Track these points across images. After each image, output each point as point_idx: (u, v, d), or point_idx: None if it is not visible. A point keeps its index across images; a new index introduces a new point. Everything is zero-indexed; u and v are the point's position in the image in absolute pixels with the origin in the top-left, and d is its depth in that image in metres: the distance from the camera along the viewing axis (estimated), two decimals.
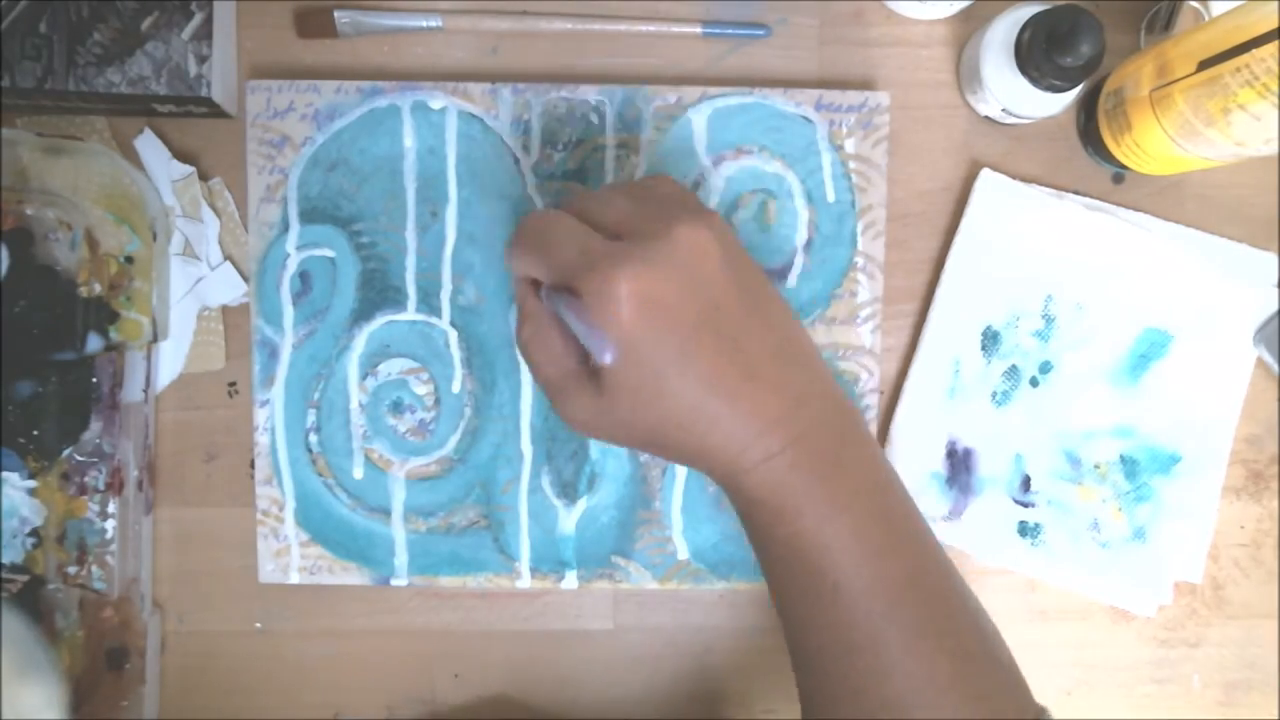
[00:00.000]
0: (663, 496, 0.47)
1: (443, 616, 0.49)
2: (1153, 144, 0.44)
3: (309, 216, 0.46)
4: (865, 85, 0.48)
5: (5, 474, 0.43)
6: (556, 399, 0.37)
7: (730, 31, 0.48)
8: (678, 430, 0.35)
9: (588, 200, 0.37)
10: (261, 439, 0.47)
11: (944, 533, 0.48)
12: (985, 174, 0.48)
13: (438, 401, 0.47)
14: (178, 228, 0.47)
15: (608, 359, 0.32)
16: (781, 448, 0.35)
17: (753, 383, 0.35)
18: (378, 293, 0.47)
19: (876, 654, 0.35)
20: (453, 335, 0.47)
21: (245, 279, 0.47)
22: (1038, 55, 0.42)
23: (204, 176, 0.47)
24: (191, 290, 0.47)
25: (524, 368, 0.47)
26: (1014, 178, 0.48)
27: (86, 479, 0.44)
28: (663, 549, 0.47)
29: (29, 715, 0.40)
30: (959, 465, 0.48)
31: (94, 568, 0.44)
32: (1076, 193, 0.49)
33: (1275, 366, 0.48)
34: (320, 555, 0.47)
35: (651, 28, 0.48)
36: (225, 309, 0.48)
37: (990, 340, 0.48)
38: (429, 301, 0.47)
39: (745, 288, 0.36)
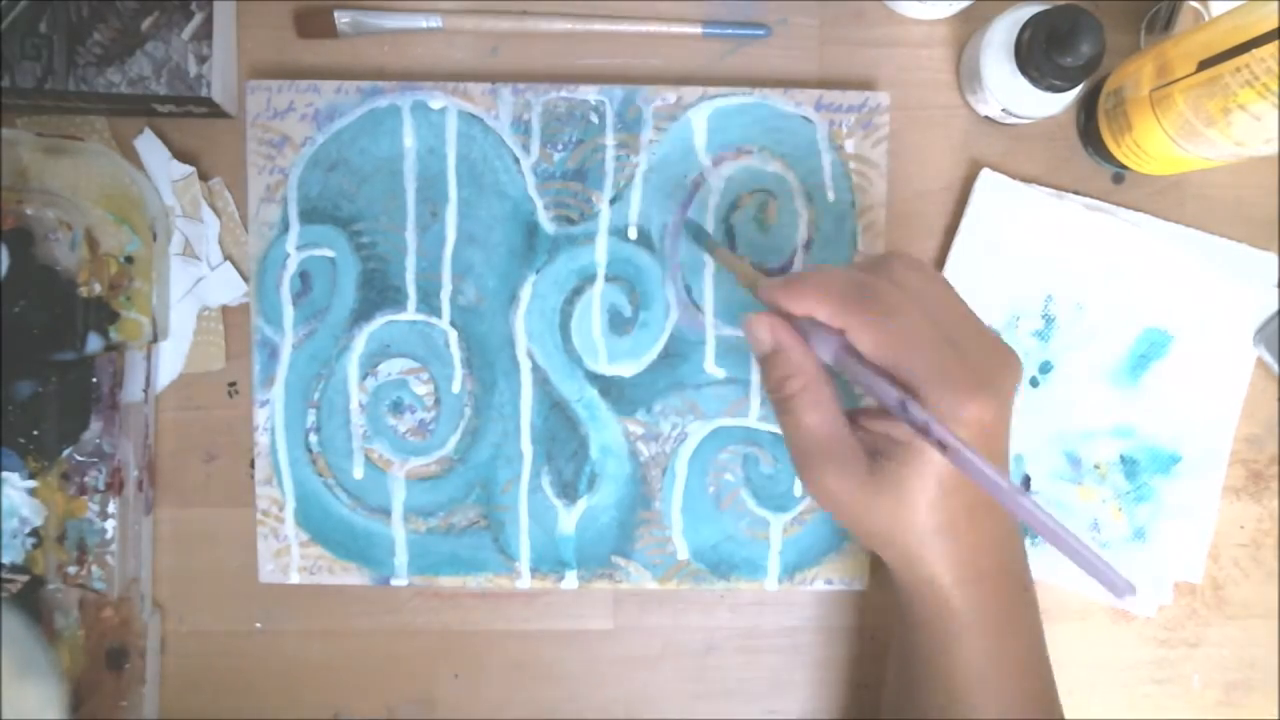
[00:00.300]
0: (663, 496, 0.47)
1: (443, 616, 0.49)
2: (1153, 144, 0.44)
3: (309, 216, 0.46)
4: (865, 85, 0.49)
5: (5, 474, 0.43)
6: (813, 462, 0.36)
7: (730, 31, 0.48)
8: (914, 540, 0.36)
9: (922, 289, 0.36)
10: (261, 439, 0.47)
11: None
12: (985, 174, 0.48)
13: (438, 401, 0.47)
14: (178, 228, 0.47)
15: (1127, 595, 0.30)
16: (986, 573, 0.37)
17: (989, 514, 0.37)
18: (378, 293, 0.47)
19: None
20: (453, 335, 0.47)
21: (245, 279, 0.47)
22: (1038, 55, 0.42)
23: (204, 176, 0.47)
24: (191, 290, 0.47)
25: (524, 367, 0.47)
26: (1014, 178, 0.48)
27: (86, 479, 0.44)
28: (663, 549, 0.47)
29: (29, 715, 0.40)
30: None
31: (94, 568, 0.44)
32: (1076, 193, 0.49)
33: (1275, 366, 0.48)
34: (320, 555, 0.47)
35: (651, 28, 0.48)
36: (225, 309, 0.48)
37: None
38: (429, 301, 0.47)
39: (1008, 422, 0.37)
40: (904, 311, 0.34)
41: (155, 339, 0.46)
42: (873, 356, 0.34)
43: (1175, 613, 0.50)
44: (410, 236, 0.47)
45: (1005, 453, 0.36)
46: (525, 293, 0.47)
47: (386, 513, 0.47)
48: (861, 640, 0.49)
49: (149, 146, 0.47)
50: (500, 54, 0.48)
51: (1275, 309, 0.48)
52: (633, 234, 0.47)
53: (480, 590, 0.48)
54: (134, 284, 0.45)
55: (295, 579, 0.47)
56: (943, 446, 0.31)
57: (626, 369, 0.47)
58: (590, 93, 0.47)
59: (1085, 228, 0.48)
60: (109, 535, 0.45)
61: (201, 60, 0.44)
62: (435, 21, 0.47)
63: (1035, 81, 0.43)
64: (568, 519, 0.47)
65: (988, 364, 0.35)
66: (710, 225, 0.47)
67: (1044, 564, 0.48)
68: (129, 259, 0.45)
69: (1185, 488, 0.48)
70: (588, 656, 0.49)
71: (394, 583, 0.47)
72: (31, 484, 0.44)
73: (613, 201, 0.47)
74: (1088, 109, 0.48)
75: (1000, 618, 0.38)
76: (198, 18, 0.44)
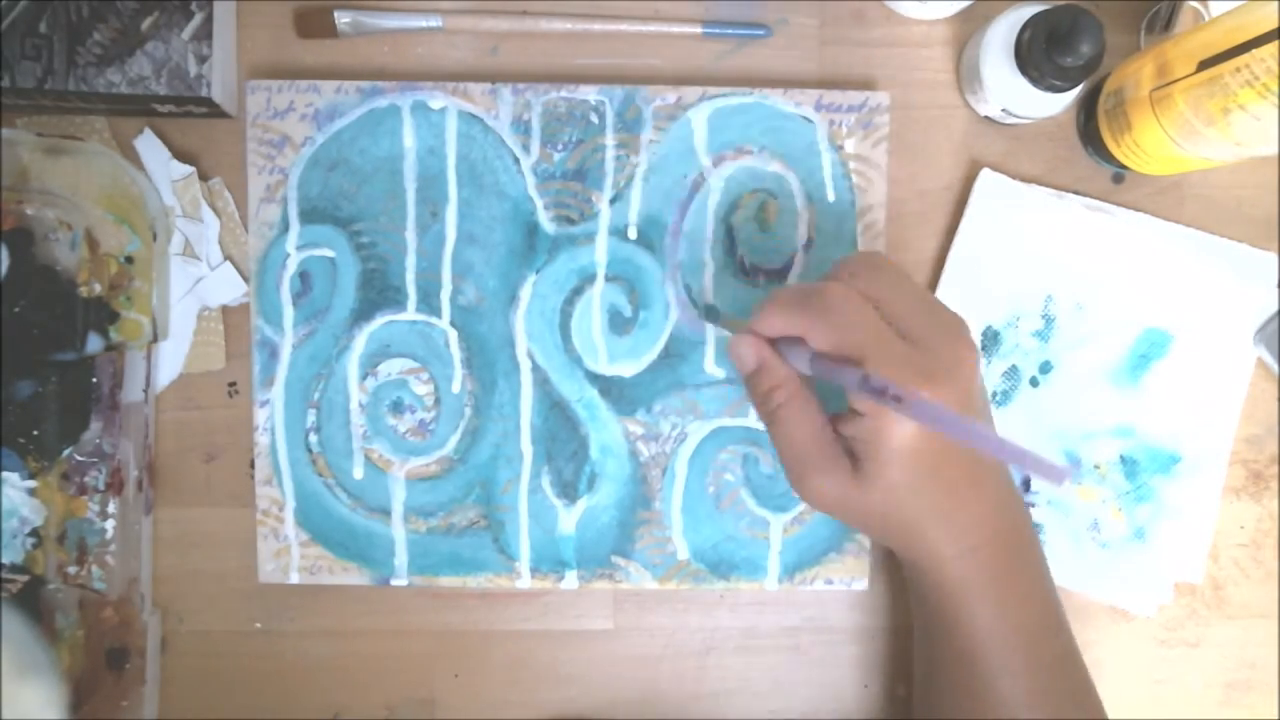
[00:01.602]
0: (663, 496, 0.47)
1: (443, 616, 0.49)
2: (1153, 144, 0.44)
3: (309, 216, 0.46)
4: (865, 85, 0.49)
5: (5, 474, 0.43)
6: (800, 468, 0.38)
7: (730, 31, 0.48)
8: (906, 525, 0.38)
9: (873, 284, 0.37)
10: (261, 439, 0.47)
11: None
12: (985, 174, 0.48)
13: (438, 401, 0.47)
14: (178, 228, 0.47)
15: (1064, 479, 0.28)
16: (981, 543, 0.39)
17: (975, 487, 0.38)
18: (378, 293, 0.47)
19: None
20: (453, 335, 0.47)
21: (245, 279, 0.47)
22: (1038, 55, 0.42)
23: (204, 176, 0.47)
24: (191, 290, 0.47)
25: (524, 367, 0.47)
26: (1014, 178, 0.48)
27: (86, 479, 0.44)
28: (663, 549, 0.47)
29: (29, 715, 0.40)
30: None
31: (94, 568, 0.44)
32: (1076, 193, 0.49)
33: (1275, 366, 0.48)
34: (320, 555, 0.47)
35: (651, 28, 0.48)
36: (225, 309, 0.48)
37: (990, 340, 0.48)
38: (429, 301, 0.47)
39: (987, 403, 0.40)
40: (852, 308, 0.36)
41: (155, 339, 0.46)
42: (832, 353, 0.36)
43: (1175, 613, 0.50)
44: (410, 236, 0.47)
45: (972, 414, 0.37)
46: (525, 293, 0.47)
47: (386, 513, 0.47)
48: (861, 640, 0.49)
49: (149, 146, 0.47)
50: (500, 54, 0.48)
51: (1275, 309, 0.48)
52: (633, 234, 0.47)
53: (480, 590, 0.48)
54: (134, 284, 0.45)
55: (295, 579, 0.47)
56: (898, 401, 0.32)
57: (626, 369, 0.47)
58: (590, 93, 0.47)
59: (1085, 228, 0.48)
60: (109, 535, 0.45)
61: (201, 60, 0.44)
62: (435, 21, 0.47)
63: (1035, 81, 0.43)
64: (568, 519, 0.47)
65: (940, 353, 0.36)
66: (710, 225, 0.47)
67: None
68: (129, 259, 0.45)
69: (1185, 488, 0.48)
70: (588, 656, 0.49)
71: (394, 583, 0.47)
72: (31, 484, 0.44)
73: (613, 201, 0.47)
74: (1088, 109, 0.48)
75: (999, 585, 0.39)
76: (198, 18, 0.44)
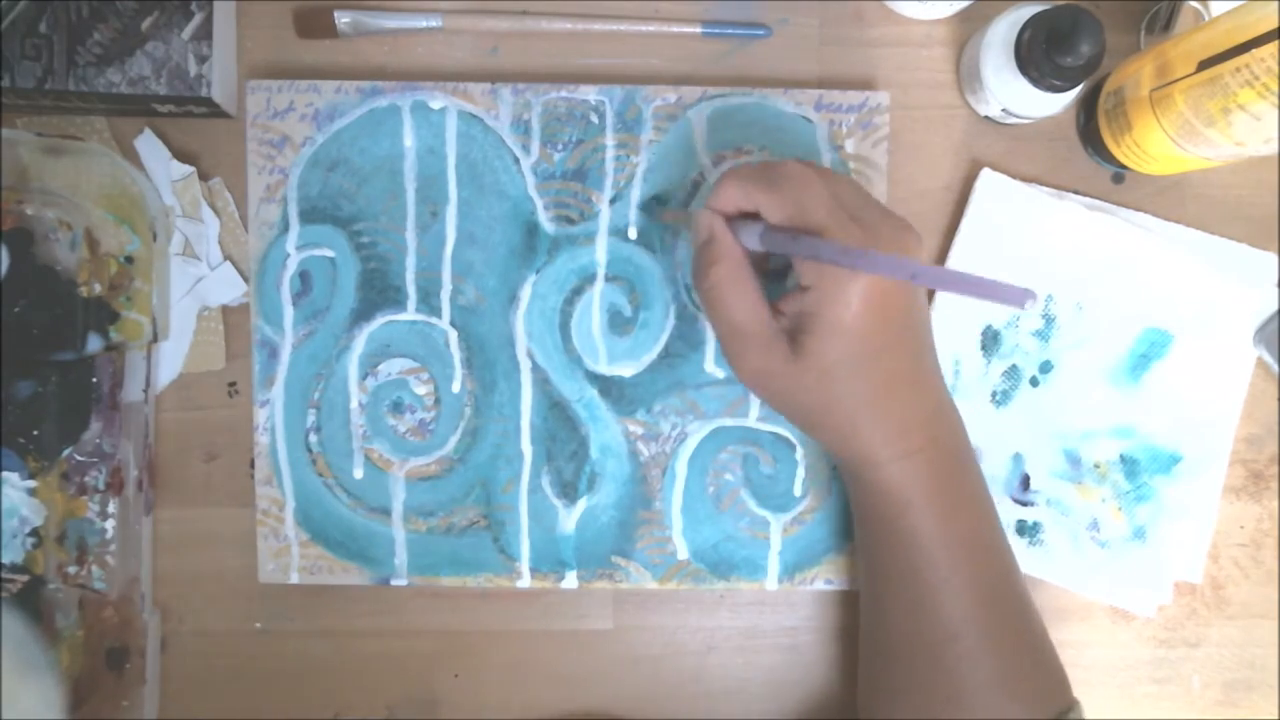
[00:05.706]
0: (663, 496, 0.47)
1: (443, 616, 0.49)
2: (1153, 144, 0.44)
3: (309, 216, 0.46)
4: (865, 85, 0.49)
5: (5, 474, 0.43)
6: (739, 345, 0.38)
7: (730, 31, 0.48)
8: (841, 415, 0.38)
9: (828, 175, 0.38)
10: (261, 439, 0.47)
11: None
12: (985, 174, 0.48)
13: (438, 401, 0.47)
14: (178, 228, 0.47)
15: (1029, 305, 0.28)
16: (920, 447, 0.39)
17: (914, 387, 0.39)
18: (378, 293, 0.47)
19: (966, 642, 0.39)
20: (453, 335, 0.47)
21: (245, 279, 0.47)
22: (1038, 55, 0.42)
23: (204, 176, 0.47)
24: (191, 290, 0.47)
25: (524, 367, 0.47)
26: (1014, 178, 0.48)
27: (86, 479, 0.44)
28: (663, 549, 0.47)
29: (29, 715, 0.40)
30: None
31: (94, 568, 0.44)
32: (1076, 193, 0.49)
33: (1275, 366, 0.48)
34: (320, 555, 0.47)
35: (651, 28, 0.48)
36: (225, 309, 0.48)
37: (990, 340, 0.48)
38: (429, 301, 0.47)
39: (926, 300, 0.40)
40: (806, 184, 0.37)
41: (155, 339, 0.46)
42: (785, 225, 0.37)
43: (1175, 613, 0.50)
44: (410, 236, 0.47)
45: (913, 312, 0.38)
46: (525, 293, 0.47)
47: (386, 513, 0.47)
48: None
49: (149, 146, 0.47)
50: (500, 54, 0.48)
51: (1275, 309, 0.48)
52: (633, 234, 0.47)
53: (480, 590, 0.48)
54: (134, 284, 0.45)
55: (295, 579, 0.47)
56: (851, 258, 0.33)
57: (626, 369, 0.47)
58: (590, 93, 0.47)
59: (1085, 228, 0.48)
60: (109, 535, 0.45)
61: (201, 60, 0.44)
62: (435, 21, 0.47)
63: (1035, 81, 0.43)
64: (568, 519, 0.47)
65: (887, 232, 0.36)
66: None
67: (1043, 564, 0.48)
68: (129, 259, 0.45)
69: (1185, 488, 0.48)
70: (588, 656, 0.49)
71: (394, 583, 0.47)
72: (31, 484, 0.44)
73: (613, 201, 0.47)
74: (1088, 109, 0.48)
75: (941, 494, 0.39)
76: (198, 18, 0.44)
